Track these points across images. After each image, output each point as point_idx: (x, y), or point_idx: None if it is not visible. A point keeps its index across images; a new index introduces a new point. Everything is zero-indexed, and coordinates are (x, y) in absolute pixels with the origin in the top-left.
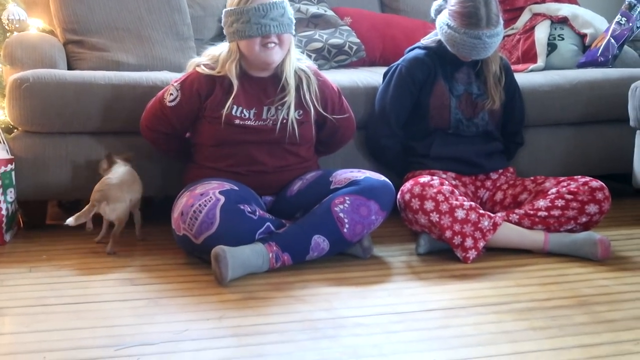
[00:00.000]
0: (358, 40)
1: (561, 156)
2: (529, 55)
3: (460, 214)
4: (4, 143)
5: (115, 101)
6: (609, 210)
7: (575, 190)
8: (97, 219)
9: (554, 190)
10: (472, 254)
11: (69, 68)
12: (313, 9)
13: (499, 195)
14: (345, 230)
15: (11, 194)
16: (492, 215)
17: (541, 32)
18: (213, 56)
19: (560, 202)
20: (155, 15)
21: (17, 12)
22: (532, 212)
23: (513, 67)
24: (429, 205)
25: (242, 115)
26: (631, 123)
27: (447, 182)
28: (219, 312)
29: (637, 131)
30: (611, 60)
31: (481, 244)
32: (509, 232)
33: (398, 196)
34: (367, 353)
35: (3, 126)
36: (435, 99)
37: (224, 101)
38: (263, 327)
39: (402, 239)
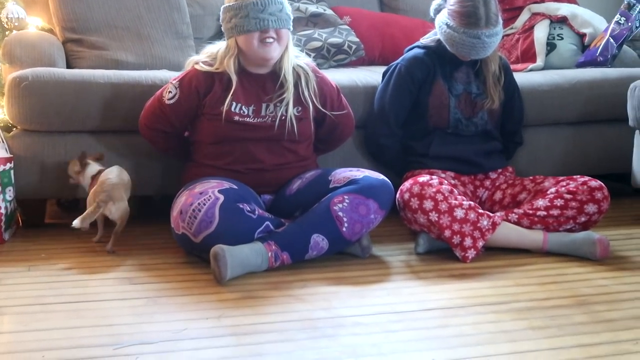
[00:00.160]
0: (357, 40)
1: (560, 156)
2: (528, 55)
3: (459, 213)
4: (3, 142)
5: (115, 100)
6: (607, 210)
7: (574, 189)
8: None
9: (553, 189)
10: (471, 253)
11: (68, 67)
12: (312, 8)
13: (498, 195)
14: (344, 229)
15: (10, 193)
16: (491, 214)
17: (540, 32)
18: (211, 54)
19: (559, 202)
20: (155, 14)
21: (16, 10)
22: (531, 211)
23: (512, 66)
24: (428, 204)
25: (241, 111)
26: (630, 123)
27: (446, 182)
28: (218, 311)
29: (636, 131)
30: (610, 59)
31: (480, 243)
32: (508, 232)
33: (397, 195)
34: (366, 352)
35: (2, 125)
36: (435, 98)
37: (223, 97)
38: (262, 326)
39: (401, 239)
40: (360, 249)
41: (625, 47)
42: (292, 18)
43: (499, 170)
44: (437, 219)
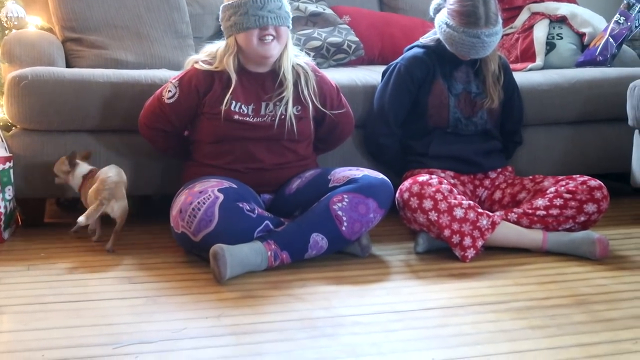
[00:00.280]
0: (357, 39)
1: (560, 155)
2: (528, 54)
3: (458, 212)
4: (2, 141)
5: (114, 99)
6: (607, 210)
7: (574, 189)
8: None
9: (552, 189)
10: (470, 252)
11: (68, 66)
12: (312, 8)
13: (497, 194)
14: (343, 228)
15: (9, 192)
16: (490, 214)
17: (540, 31)
18: (211, 52)
19: (558, 201)
20: (154, 13)
21: (15, 9)
22: (530, 211)
23: (512, 66)
24: (428, 204)
25: (241, 110)
26: (629, 122)
27: (445, 181)
28: (218, 310)
29: (636, 130)
30: (610, 59)
31: (480, 242)
32: (508, 231)
33: (397, 195)
34: (366, 352)
35: (1, 124)
36: (434, 97)
37: (222, 96)
38: (261, 326)
39: (400, 238)
40: (360, 248)
41: (624, 46)
42: (291, 16)
43: (499, 170)
44: (436, 218)
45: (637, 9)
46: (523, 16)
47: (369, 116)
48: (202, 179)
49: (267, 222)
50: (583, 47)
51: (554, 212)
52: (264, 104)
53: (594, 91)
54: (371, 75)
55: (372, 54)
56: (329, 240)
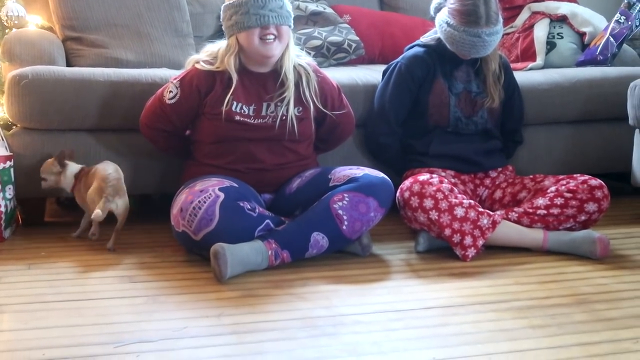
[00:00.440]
0: (357, 38)
1: (560, 154)
2: (528, 54)
3: (459, 212)
4: (3, 140)
5: (114, 98)
6: (607, 209)
7: (575, 188)
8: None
9: (553, 188)
10: (471, 252)
11: (68, 65)
12: (312, 7)
13: (498, 194)
14: (344, 227)
15: (10, 191)
16: (491, 213)
17: (540, 31)
18: (212, 52)
19: (559, 201)
20: (154, 12)
21: (16, 8)
22: (531, 210)
23: (512, 65)
24: (428, 203)
25: (242, 111)
26: (630, 122)
27: (446, 180)
28: (218, 309)
29: (636, 130)
30: (610, 58)
31: (480, 242)
32: (508, 231)
33: (397, 194)
34: (367, 350)
35: (2, 123)
36: (435, 96)
37: (223, 97)
38: (262, 325)
39: (401, 237)
40: (361, 248)
41: (625, 46)
42: (292, 16)
43: (499, 169)
44: (437, 217)
45: (637, 8)
46: (523, 15)
47: (370, 115)
48: (202, 178)
49: (267, 221)
50: (583, 47)
51: (555, 211)
52: (265, 105)
53: (594, 90)
54: (372, 74)
55: (373, 53)
56: (329, 239)
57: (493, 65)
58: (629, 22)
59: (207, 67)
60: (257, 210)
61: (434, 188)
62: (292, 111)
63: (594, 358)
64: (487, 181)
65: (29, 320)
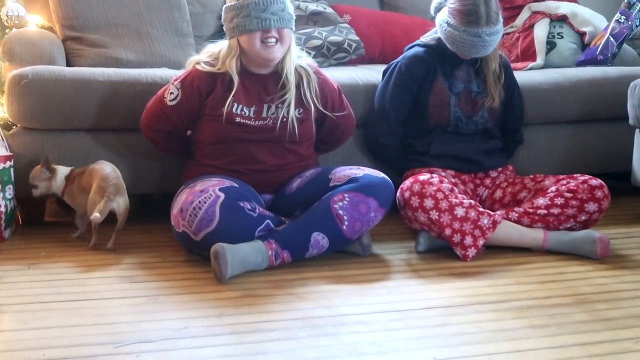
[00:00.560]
0: (357, 38)
1: (560, 154)
2: (528, 53)
3: (459, 211)
4: (3, 140)
5: (114, 98)
6: (608, 209)
7: (575, 188)
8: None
9: (553, 188)
10: (471, 252)
11: (68, 65)
12: (312, 7)
13: (498, 193)
14: (344, 227)
15: (10, 191)
16: (491, 213)
17: (540, 30)
18: (213, 53)
19: (559, 200)
20: (155, 12)
21: (16, 8)
22: (531, 210)
23: (512, 65)
24: (429, 203)
25: (243, 113)
26: (630, 121)
27: (446, 180)
28: (219, 309)
29: (636, 129)
30: (610, 58)
31: (480, 242)
32: (509, 230)
33: (397, 194)
34: (367, 350)
35: (2, 123)
36: (435, 96)
37: (224, 99)
38: (262, 325)
39: (401, 237)
40: (361, 248)
41: (625, 45)
42: (294, 18)
43: (499, 169)
44: (437, 217)
45: (637, 8)
46: (523, 15)
47: (370, 115)
48: (203, 178)
49: (268, 221)
50: (583, 46)
51: (555, 211)
52: (265, 106)
53: (594, 90)
54: (372, 74)
55: (373, 53)
56: (329, 239)
57: (493, 65)
58: (629, 22)
59: (208, 68)
60: (257, 211)
61: (435, 188)
62: (293, 113)
63: (595, 358)
64: (488, 181)
65: (29, 320)
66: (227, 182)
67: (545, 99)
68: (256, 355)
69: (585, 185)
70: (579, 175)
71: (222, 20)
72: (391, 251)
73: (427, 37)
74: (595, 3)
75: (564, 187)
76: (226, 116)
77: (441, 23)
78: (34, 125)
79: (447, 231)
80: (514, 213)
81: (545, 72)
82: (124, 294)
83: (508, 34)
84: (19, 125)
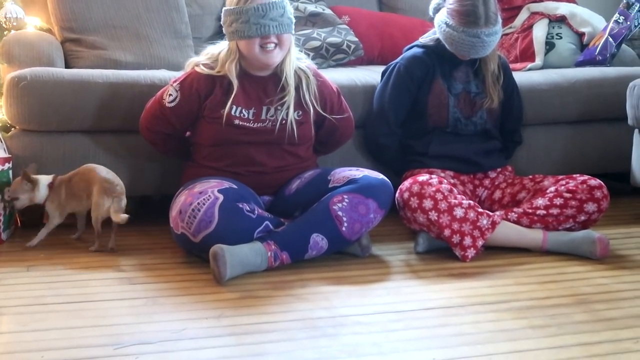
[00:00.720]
0: (356, 39)
1: (559, 155)
2: (527, 54)
3: (458, 212)
4: (1, 142)
5: (113, 100)
6: (607, 209)
7: (574, 188)
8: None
9: (552, 188)
10: (470, 252)
11: (67, 66)
12: (311, 8)
13: (497, 194)
14: (343, 228)
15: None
16: (490, 213)
17: (539, 31)
18: (212, 55)
19: (558, 201)
20: (153, 14)
21: (14, 10)
22: (530, 210)
23: (511, 65)
24: (428, 203)
25: (242, 115)
26: (629, 122)
27: (445, 181)
28: (218, 311)
29: (635, 130)
30: (609, 58)
31: (480, 242)
32: (508, 231)
33: (397, 195)
34: (367, 351)
35: (1, 125)
36: (434, 97)
37: (223, 101)
38: (262, 326)
39: (400, 238)
40: (360, 249)
41: (624, 46)
42: (294, 21)
43: (499, 170)
44: (436, 218)
45: (636, 8)
46: (522, 16)
47: (369, 116)
48: (202, 180)
49: (267, 222)
50: (582, 47)
51: (554, 211)
52: (264, 108)
53: (593, 91)
54: (371, 75)
55: (372, 54)
56: (329, 240)
57: (492, 66)
58: (628, 22)
59: (207, 71)
60: (256, 212)
61: (433, 189)
62: (292, 115)
63: (594, 358)
64: (487, 182)
65: (28, 322)
66: (226, 184)
67: (544, 100)
68: (255, 356)
69: (585, 186)
70: (578, 175)
71: (221, 23)
72: (390, 252)
73: (425, 38)
74: (594, 3)
75: (563, 187)
76: (225, 118)
77: (440, 24)
78: (33, 127)
79: (446, 232)
80: (513, 214)
81: (544, 73)
82: (123, 295)
83: (507, 34)
84: (17, 127)
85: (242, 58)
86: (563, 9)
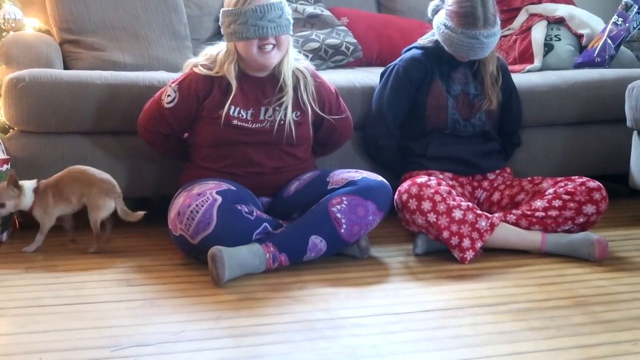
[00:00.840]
0: (355, 41)
1: (558, 157)
2: (526, 56)
3: (457, 214)
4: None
5: (112, 101)
6: (606, 211)
7: (573, 190)
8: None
9: (551, 190)
10: (469, 254)
11: (65, 68)
12: (310, 9)
13: (496, 196)
14: (342, 230)
15: None
16: (489, 215)
17: (538, 33)
18: (211, 56)
19: (557, 203)
20: (152, 15)
21: (13, 11)
22: (529, 212)
23: (510, 67)
24: (426, 205)
25: (240, 115)
26: (628, 124)
27: (444, 183)
28: (216, 312)
29: (634, 132)
30: (608, 60)
31: (478, 244)
32: (507, 233)
33: (395, 196)
34: (365, 353)
35: None
36: (432, 99)
37: (221, 102)
38: (260, 328)
39: (399, 240)
40: (359, 250)
41: (622, 47)
42: (292, 22)
43: (497, 171)
44: (435, 220)
45: (635, 10)
46: (521, 17)
47: (368, 118)
48: (200, 181)
49: (265, 224)
50: (581, 49)
51: (553, 213)
52: (263, 109)
53: (592, 92)
54: (369, 76)
55: (370, 56)
56: (327, 242)
57: (491, 67)
58: (627, 24)
59: (206, 72)
60: (254, 213)
61: (432, 190)
62: (290, 116)
63: None
64: (485, 183)
65: (26, 324)
66: (225, 185)
67: (543, 101)
68: (253, 358)
69: (583, 188)
70: (576, 177)
71: (219, 23)
72: (389, 254)
73: (424, 40)
74: (593, 5)
75: (561, 189)
76: (224, 119)
77: (439, 25)
78: (31, 129)
79: (445, 234)
80: (511, 215)
81: (542, 75)
82: (122, 297)
83: (505, 36)
84: (16, 128)
85: (240, 59)
86: (562, 10)
